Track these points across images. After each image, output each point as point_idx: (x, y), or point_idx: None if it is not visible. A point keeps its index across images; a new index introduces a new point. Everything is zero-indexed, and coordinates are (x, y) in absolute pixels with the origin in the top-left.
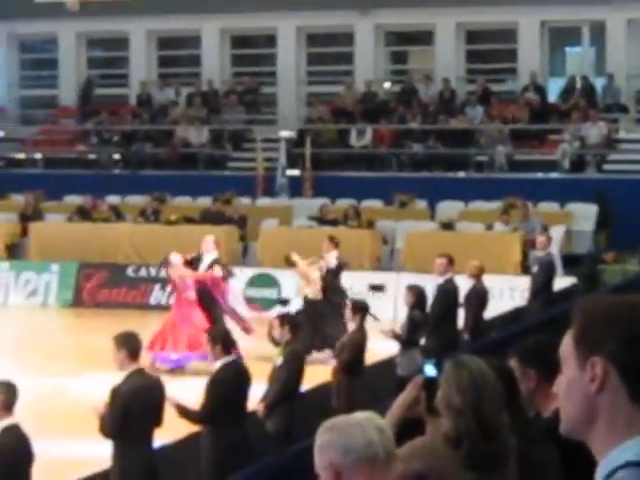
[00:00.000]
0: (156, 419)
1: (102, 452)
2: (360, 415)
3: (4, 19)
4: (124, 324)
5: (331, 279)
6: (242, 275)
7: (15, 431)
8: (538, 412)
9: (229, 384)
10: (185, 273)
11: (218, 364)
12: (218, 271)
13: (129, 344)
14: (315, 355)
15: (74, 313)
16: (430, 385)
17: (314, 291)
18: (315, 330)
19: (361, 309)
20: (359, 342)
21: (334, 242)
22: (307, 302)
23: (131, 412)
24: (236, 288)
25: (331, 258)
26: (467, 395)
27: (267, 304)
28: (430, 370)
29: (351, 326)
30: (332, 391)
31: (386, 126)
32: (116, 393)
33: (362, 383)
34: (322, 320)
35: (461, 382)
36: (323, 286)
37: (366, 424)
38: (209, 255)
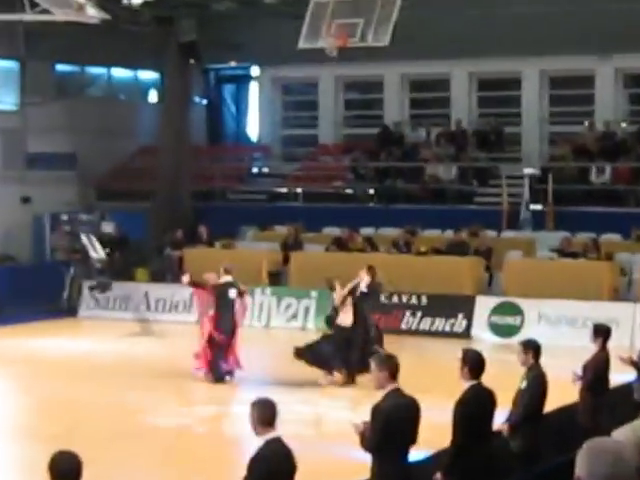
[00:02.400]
0: (412, 436)
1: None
2: (622, 438)
3: (270, 65)
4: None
5: (361, 306)
6: (488, 303)
7: (276, 444)
8: None
9: (472, 406)
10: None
11: (466, 385)
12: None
13: (390, 365)
14: (322, 378)
15: None
16: None
17: (346, 317)
18: (337, 353)
19: (603, 331)
20: (602, 362)
21: (371, 270)
22: (338, 328)
23: (390, 429)
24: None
25: (362, 285)
26: None
27: (511, 331)
28: None
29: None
30: (578, 410)
31: (625, 164)
32: (377, 411)
33: (606, 402)
34: (349, 345)
35: None
36: (354, 312)
37: (623, 452)
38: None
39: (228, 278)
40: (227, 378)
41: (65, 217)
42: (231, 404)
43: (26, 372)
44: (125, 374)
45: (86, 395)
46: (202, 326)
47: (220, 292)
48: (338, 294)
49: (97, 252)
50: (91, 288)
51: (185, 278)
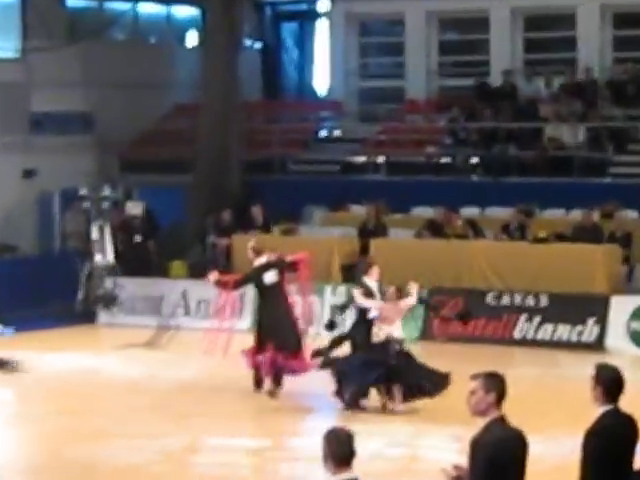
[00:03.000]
0: (520, 474)
1: None
2: None
3: None
4: (482, 363)
5: None
6: (626, 304)
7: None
8: None
9: (607, 437)
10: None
11: (599, 411)
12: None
13: (499, 387)
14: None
15: (421, 349)
16: None
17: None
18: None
19: None
20: None
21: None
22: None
23: (495, 466)
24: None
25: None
26: None
27: None
28: None
29: None
30: None
31: None
32: (478, 444)
33: None
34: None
35: None
36: None
37: None
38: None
39: (262, 259)
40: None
41: (82, 193)
42: (285, 436)
43: (27, 400)
44: (164, 403)
45: (120, 444)
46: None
47: (249, 281)
48: (404, 302)
49: (105, 255)
50: (93, 302)
51: (212, 276)
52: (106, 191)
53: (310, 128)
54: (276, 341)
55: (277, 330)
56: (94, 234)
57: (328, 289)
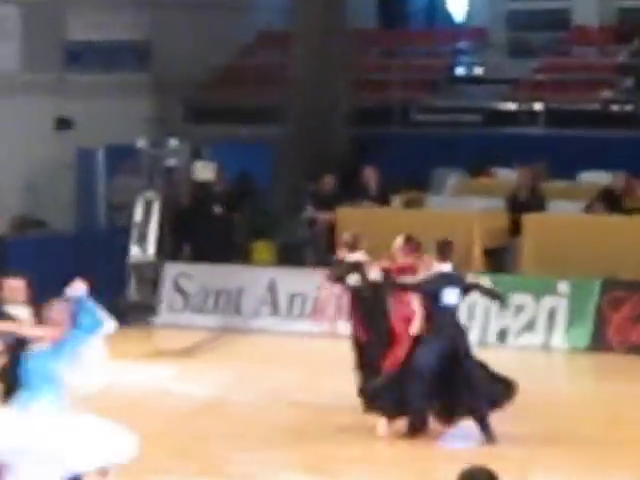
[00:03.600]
0: None
1: None
2: None
3: None
4: None
5: None
6: None
7: None
8: None
9: None
10: None
11: None
12: None
13: None
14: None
15: (590, 361)
16: None
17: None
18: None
19: None
20: None
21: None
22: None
23: None
24: None
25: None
26: None
27: None
28: None
29: None
30: None
31: None
32: None
33: None
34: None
35: None
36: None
37: None
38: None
39: (355, 256)
40: None
41: (140, 146)
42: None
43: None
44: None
45: None
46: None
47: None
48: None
49: (145, 245)
50: (124, 309)
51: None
52: (170, 146)
53: (442, 65)
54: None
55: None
56: (137, 212)
57: None
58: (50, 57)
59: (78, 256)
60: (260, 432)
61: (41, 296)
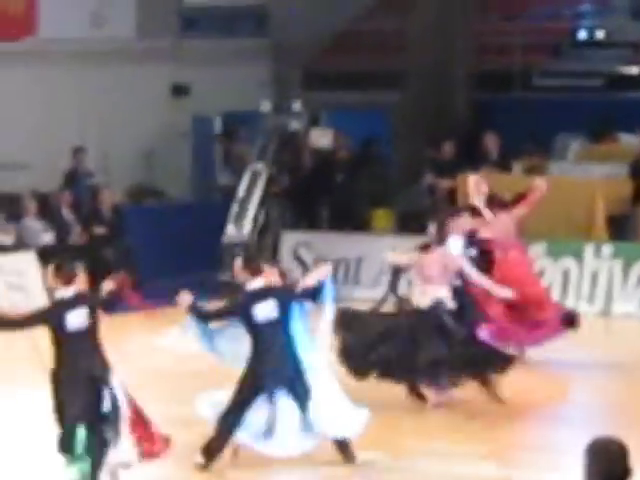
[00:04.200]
0: None
1: None
2: None
3: None
4: None
5: None
6: None
7: None
8: None
9: None
10: None
11: None
12: None
13: None
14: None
15: None
16: None
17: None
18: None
19: None
20: None
21: None
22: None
23: None
24: None
25: None
26: None
27: None
28: None
29: None
30: None
31: None
32: None
33: None
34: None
35: None
36: None
37: None
38: None
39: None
40: None
41: (263, 109)
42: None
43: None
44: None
45: None
46: None
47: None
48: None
49: (241, 224)
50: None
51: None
52: (294, 109)
53: (564, 28)
54: None
55: None
56: (241, 188)
57: (588, 250)
58: (166, 23)
59: (194, 226)
60: None
61: (156, 265)
